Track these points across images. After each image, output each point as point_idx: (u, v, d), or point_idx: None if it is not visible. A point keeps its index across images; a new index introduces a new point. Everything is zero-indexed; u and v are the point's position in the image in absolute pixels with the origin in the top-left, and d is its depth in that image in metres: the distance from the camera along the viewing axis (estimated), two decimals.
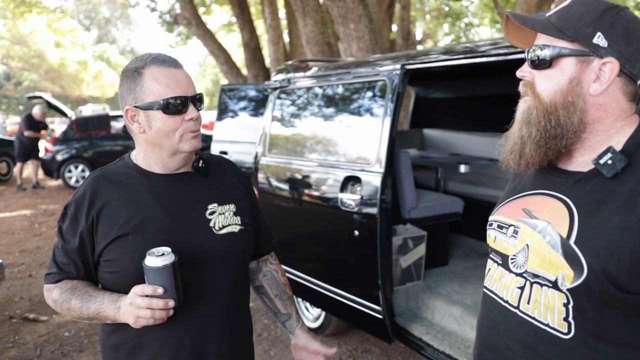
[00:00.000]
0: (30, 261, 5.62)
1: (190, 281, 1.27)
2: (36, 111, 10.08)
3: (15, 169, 10.46)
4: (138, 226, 1.26)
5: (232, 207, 1.39)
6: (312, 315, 3.75)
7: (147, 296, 1.14)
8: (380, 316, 2.79)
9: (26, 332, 3.84)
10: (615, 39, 0.95)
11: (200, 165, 1.38)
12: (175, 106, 1.24)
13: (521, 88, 1.07)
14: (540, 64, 1.01)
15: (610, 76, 0.95)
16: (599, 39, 0.95)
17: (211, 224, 1.33)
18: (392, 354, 3.41)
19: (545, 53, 1.00)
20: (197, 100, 1.29)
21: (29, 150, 10.12)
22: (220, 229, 1.34)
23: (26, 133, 9.95)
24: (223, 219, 1.35)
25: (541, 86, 1.02)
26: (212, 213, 1.35)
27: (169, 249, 1.17)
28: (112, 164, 1.39)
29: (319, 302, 3.36)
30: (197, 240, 1.30)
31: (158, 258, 1.15)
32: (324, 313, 3.56)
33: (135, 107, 1.26)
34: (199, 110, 1.29)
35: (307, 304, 3.82)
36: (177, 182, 1.34)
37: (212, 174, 1.41)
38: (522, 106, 1.05)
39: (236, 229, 1.37)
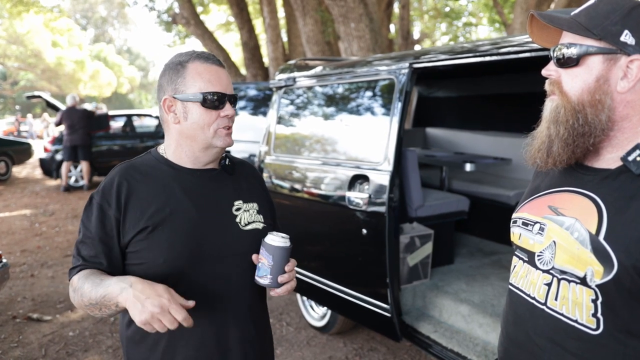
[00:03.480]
0: (32, 261, 5.60)
1: (217, 274, 1.31)
2: (71, 102, 9.49)
3: (83, 171, 9.85)
4: (167, 218, 1.28)
5: (255, 205, 1.44)
6: (317, 314, 3.76)
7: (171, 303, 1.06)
8: (388, 314, 2.80)
9: (30, 332, 3.83)
10: None
11: (227, 163, 1.43)
12: (213, 101, 1.28)
13: (547, 87, 1.08)
14: (567, 63, 1.02)
15: (638, 73, 0.96)
16: (626, 37, 0.96)
17: (237, 220, 1.37)
18: (398, 353, 3.41)
19: (572, 51, 1.01)
20: (233, 99, 1.33)
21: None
22: (246, 225, 1.38)
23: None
24: (248, 215, 1.40)
25: (568, 85, 1.03)
26: (238, 209, 1.39)
27: (287, 236, 1.32)
28: (138, 157, 1.40)
29: (325, 301, 3.36)
30: (224, 234, 1.34)
31: (283, 239, 1.29)
32: (329, 312, 3.57)
33: (173, 97, 1.30)
34: (234, 109, 1.33)
35: (313, 303, 3.82)
36: (205, 177, 1.37)
37: (236, 173, 1.46)
38: (550, 105, 1.06)
39: (260, 226, 1.41)
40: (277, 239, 1.29)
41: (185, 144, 1.33)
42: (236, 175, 1.45)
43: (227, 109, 1.31)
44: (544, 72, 1.07)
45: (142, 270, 1.27)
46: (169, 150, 1.37)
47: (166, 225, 1.27)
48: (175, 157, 1.36)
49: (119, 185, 1.29)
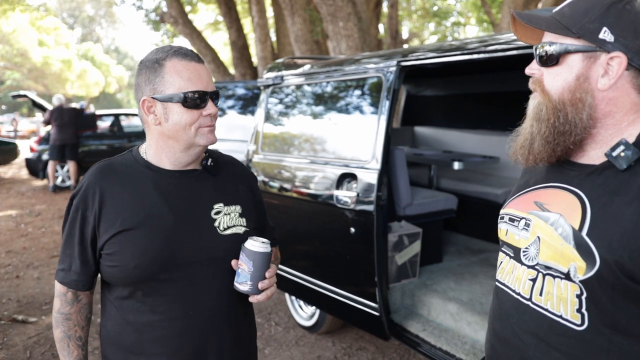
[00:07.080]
0: (17, 262, 5.53)
1: (193, 280, 1.27)
2: (57, 103, 9.43)
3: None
4: (142, 222, 1.24)
5: (238, 208, 1.38)
6: (306, 313, 3.75)
7: None
8: (376, 313, 2.80)
9: (15, 334, 3.78)
10: (622, 33, 0.96)
11: (208, 163, 1.37)
12: (194, 100, 1.23)
13: (531, 85, 1.08)
14: (548, 61, 1.03)
15: (619, 70, 0.96)
16: (605, 34, 0.96)
17: (216, 224, 1.32)
18: (387, 352, 3.41)
19: (552, 50, 1.01)
20: (215, 96, 1.29)
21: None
22: (225, 229, 1.33)
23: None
24: (228, 219, 1.34)
25: (549, 83, 1.03)
26: (217, 213, 1.33)
27: (268, 241, 1.29)
28: (119, 156, 1.36)
29: (313, 300, 3.35)
30: (200, 239, 1.28)
31: (263, 244, 1.27)
32: (318, 311, 3.56)
33: (153, 98, 1.24)
34: (216, 106, 1.29)
35: (301, 302, 3.81)
36: (184, 179, 1.32)
37: (220, 173, 1.40)
38: (533, 103, 1.07)
39: (241, 230, 1.35)
40: (257, 244, 1.25)
41: (166, 145, 1.29)
42: (220, 176, 1.39)
43: (210, 108, 1.26)
44: (527, 70, 1.08)
45: (117, 273, 1.26)
46: (149, 150, 1.32)
47: (139, 229, 1.23)
48: (156, 159, 1.31)
49: (93, 186, 1.26)
